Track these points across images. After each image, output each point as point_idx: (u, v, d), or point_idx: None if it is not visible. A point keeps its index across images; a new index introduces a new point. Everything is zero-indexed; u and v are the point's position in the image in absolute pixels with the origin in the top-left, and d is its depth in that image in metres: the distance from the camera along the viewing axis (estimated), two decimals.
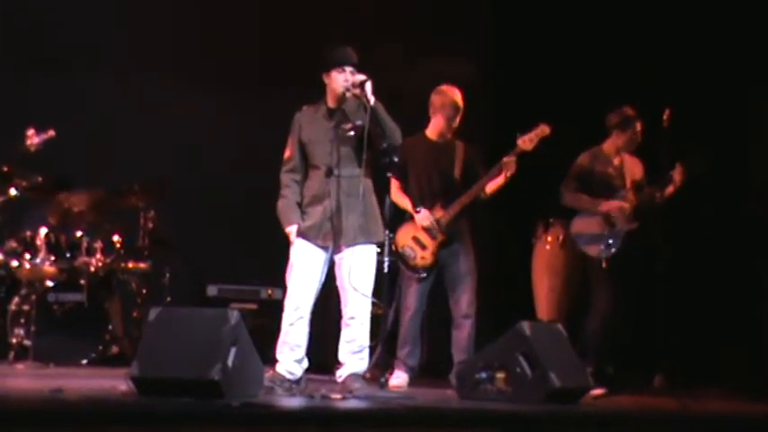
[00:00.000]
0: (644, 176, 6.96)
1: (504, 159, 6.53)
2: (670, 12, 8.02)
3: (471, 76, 8.23)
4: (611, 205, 6.80)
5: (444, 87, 6.79)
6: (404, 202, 6.70)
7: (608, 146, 6.97)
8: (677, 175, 6.71)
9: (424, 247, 6.65)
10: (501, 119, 8.68)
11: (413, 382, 6.68)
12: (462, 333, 6.64)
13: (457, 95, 6.74)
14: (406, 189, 6.74)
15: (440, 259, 6.67)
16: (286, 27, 8.70)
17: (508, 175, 6.56)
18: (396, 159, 5.74)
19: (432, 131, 6.82)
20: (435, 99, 6.78)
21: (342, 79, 5.76)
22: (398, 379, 6.60)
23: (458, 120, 6.77)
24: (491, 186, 6.65)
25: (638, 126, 6.89)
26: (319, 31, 8.14)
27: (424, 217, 6.64)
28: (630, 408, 6.06)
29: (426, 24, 9.05)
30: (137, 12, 8.49)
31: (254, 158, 7.54)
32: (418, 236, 6.67)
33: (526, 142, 6.52)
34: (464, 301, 6.64)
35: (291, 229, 5.80)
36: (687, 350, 7.18)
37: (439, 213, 6.66)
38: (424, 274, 6.65)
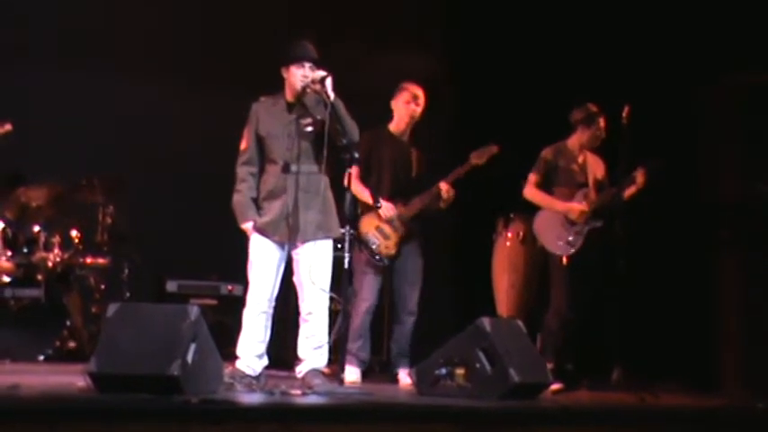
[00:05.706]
0: (606, 176, 7.00)
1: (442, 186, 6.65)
2: (630, 8, 8.08)
3: (430, 71, 8.23)
4: (570, 207, 6.83)
5: (407, 84, 6.81)
6: (363, 193, 6.68)
7: (572, 142, 7.00)
8: (639, 176, 6.75)
9: (387, 237, 6.66)
10: (462, 114, 8.69)
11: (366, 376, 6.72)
12: (405, 328, 6.74)
13: (419, 92, 6.76)
14: (365, 179, 6.74)
15: (400, 253, 6.69)
16: (243, 23, 8.65)
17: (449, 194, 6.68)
18: (356, 156, 5.74)
19: (395, 127, 6.83)
20: (399, 95, 6.79)
21: (300, 74, 5.74)
22: (352, 375, 6.48)
23: (418, 115, 6.79)
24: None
25: (602, 122, 6.93)
26: (277, 28, 8.11)
27: (388, 209, 6.65)
28: (589, 402, 6.11)
29: (385, 20, 9.03)
30: (96, 5, 8.42)
31: (213, 152, 7.48)
32: (381, 226, 6.67)
33: (478, 157, 6.67)
34: (411, 299, 6.73)
35: (247, 226, 5.78)
36: (644, 345, 7.23)
37: (401, 209, 6.68)
38: (385, 262, 6.66)
